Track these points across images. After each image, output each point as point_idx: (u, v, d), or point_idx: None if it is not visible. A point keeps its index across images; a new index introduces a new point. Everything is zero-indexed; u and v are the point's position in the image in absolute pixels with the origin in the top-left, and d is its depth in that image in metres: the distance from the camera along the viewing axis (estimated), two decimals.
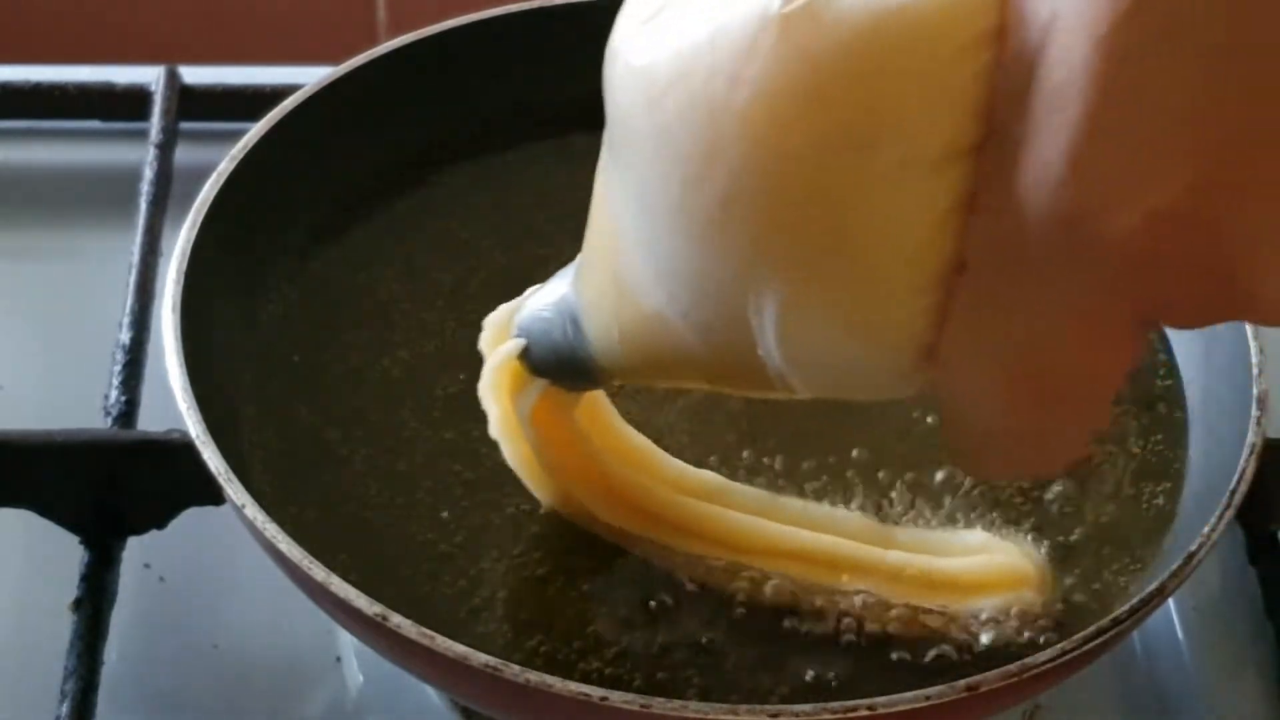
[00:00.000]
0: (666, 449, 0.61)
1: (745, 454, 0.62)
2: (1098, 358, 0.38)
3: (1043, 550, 0.60)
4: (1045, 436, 0.40)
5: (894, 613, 0.57)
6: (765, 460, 0.62)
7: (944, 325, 0.39)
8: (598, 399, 0.59)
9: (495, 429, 0.59)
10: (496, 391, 0.58)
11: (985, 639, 0.57)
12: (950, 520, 0.60)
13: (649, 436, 0.61)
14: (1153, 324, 0.38)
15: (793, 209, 0.39)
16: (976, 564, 0.58)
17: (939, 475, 0.61)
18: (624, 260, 0.46)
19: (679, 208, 0.41)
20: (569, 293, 0.52)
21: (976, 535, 0.60)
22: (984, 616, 0.57)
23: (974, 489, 0.61)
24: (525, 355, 0.55)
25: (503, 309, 0.57)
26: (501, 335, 0.56)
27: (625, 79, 0.42)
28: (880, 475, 0.61)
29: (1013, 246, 0.36)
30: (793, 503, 0.60)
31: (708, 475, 0.60)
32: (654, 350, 0.47)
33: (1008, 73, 0.36)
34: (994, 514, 0.61)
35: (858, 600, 0.57)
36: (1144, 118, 0.34)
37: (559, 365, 0.53)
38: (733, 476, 0.61)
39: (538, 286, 0.55)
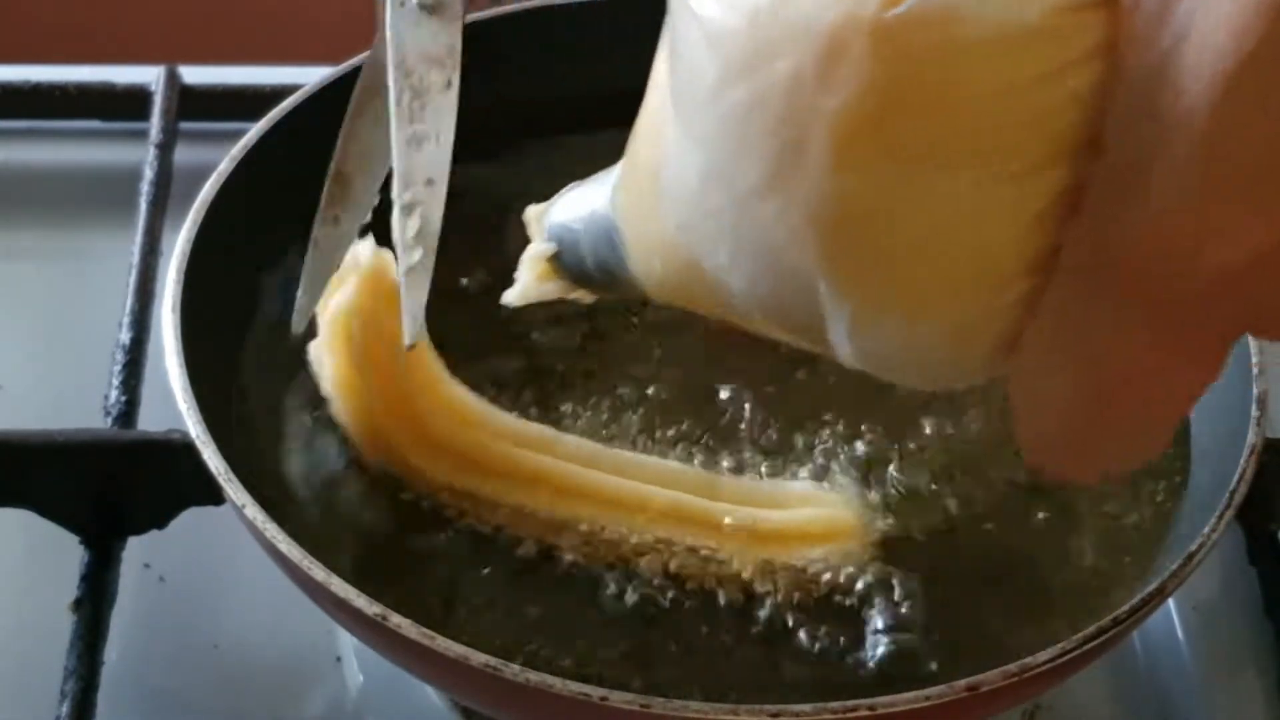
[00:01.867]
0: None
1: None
2: (1174, 375, 0.38)
3: (865, 501, 0.61)
4: (1110, 443, 0.40)
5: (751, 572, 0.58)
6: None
7: (1028, 320, 0.38)
8: (426, 359, 0.60)
9: (328, 385, 0.60)
10: (332, 347, 0.58)
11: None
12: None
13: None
14: (1236, 340, 0.38)
15: (876, 219, 0.38)
16: (799, 516, 0.59)
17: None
18: (682, 218, 0.43)
19: (753, 200, 0.39)
20: (606, 209, 0.49)
21: (801, 486, 0.61)
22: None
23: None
24: (556, 259, 0.53)
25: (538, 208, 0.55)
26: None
27: (696, 40, 0.40)
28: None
29: (1109, 257, 0.36)
30: (620, 454, 0.61)
31: (536, 427, 0.61)
32: (700, 297, 0.45)
33: (1122, 90, 0.35)
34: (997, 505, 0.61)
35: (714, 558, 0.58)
36: (1262, 158, 0.33)
37: (588, 276, 0.51)
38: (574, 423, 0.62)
39: (575, 185, 0.53)
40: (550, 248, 0.52)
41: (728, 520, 0.59)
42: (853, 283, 0.39)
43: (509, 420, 0.62)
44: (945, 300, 0.39)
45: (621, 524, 0.59)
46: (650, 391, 0.64)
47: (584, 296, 0.53)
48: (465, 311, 0.66)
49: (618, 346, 0.65)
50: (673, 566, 0.58)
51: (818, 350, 0.42)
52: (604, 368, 0.65)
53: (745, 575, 0.58)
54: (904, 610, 0.58)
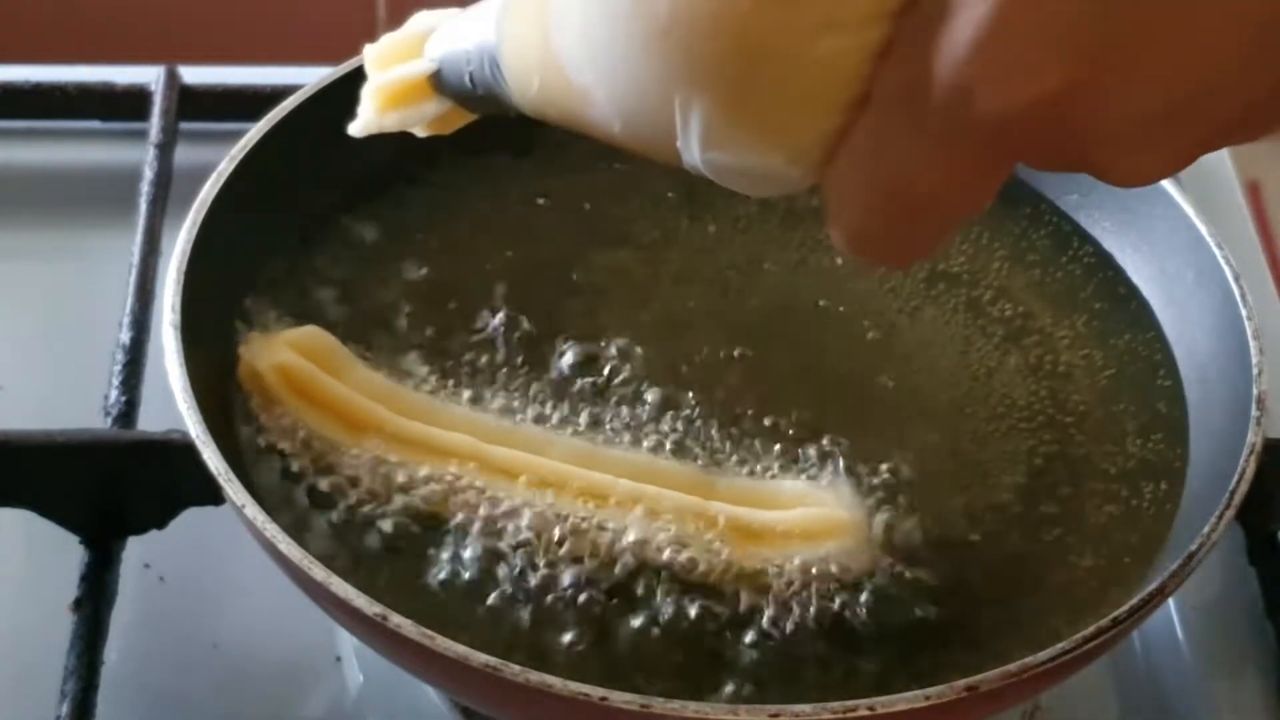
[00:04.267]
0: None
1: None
2: (957, 190, 0.45)
3: (863, 500, 0.60)
4: (899, 238, 0.47)
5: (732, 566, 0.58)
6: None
7: (843, 141, 0.45)
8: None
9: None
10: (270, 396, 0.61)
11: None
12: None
13: None
14: (1009, 171, 0.45)
15: (729, 45, 0.44)
16: (794, 515, 0.59)
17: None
18: (558, 35, 0.49)
19: (622, 17, 0.45)
20: (492, 33, 0.53)
21: (795, 485, 0.61)
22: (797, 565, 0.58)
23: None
24: (436, 79, 0.56)
25: (395, 37, 0.58)
26: (401, 54, 0.57)
27: None
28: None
29: (912, 95, 0.43)
30: (614, 452, 0.61)
31: (526, 428, 0.62)
32: (571, 113, 0.50)
33: None
34: (1002, 496, 0.61)
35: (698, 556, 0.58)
36: (1038, 21, 0.40)
37: (469, 96, 0.56)
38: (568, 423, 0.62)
39: (452, 12, 0.56)
40: (431, 66, 0.56)
41: (724, 519, 0.59)
42: (707, 93, 0.45)
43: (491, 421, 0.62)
44: (782, 118, 0.45)
45: (615, 520, 0.59)
46: (658, 391, 0.64)
47: (421, 129, 0.58)
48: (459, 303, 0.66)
49: (617, 345, 0.65)
50: (671, 565, 0.58)
51: (659, 159, 0.48)
52: (602, 365, 0.65)
53: (742, 574, 0.58)
54: (901, 610, 0.58)
